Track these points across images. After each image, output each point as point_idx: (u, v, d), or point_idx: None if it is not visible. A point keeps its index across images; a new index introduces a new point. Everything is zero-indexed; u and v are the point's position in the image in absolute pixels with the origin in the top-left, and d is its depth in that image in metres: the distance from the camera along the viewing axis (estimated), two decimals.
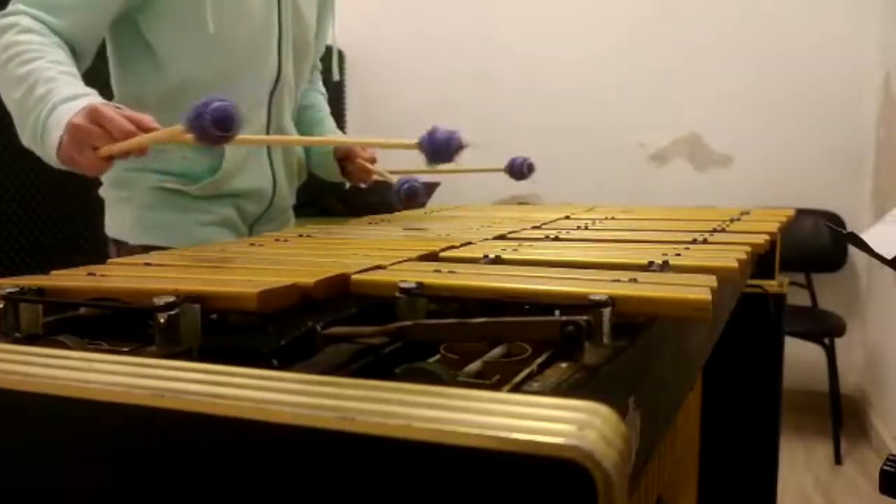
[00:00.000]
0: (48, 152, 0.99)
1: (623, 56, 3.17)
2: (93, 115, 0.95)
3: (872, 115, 2.92)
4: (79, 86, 1.02)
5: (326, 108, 1.54)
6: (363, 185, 1.46)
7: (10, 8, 1.10)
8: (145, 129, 0.94)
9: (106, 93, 1.11)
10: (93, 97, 1.00)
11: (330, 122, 1.51)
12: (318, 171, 1.48)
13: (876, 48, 2.89)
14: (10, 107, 1.05)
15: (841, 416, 2.70)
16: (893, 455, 0.93)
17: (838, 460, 2.60)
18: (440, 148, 0.92)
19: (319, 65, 1.54)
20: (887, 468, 0.91)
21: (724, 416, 1.50)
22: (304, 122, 1.47)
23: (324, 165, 1.44)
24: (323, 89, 1.57)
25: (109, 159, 0.96)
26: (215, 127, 0.75)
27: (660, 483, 1.14)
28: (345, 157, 1.41)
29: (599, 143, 3.18)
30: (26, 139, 1.03)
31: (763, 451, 1.54)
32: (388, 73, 3.43)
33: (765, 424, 1.53)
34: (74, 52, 1.12)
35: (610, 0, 3.19)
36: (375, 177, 1.41)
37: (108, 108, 0.95)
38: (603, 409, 0.33)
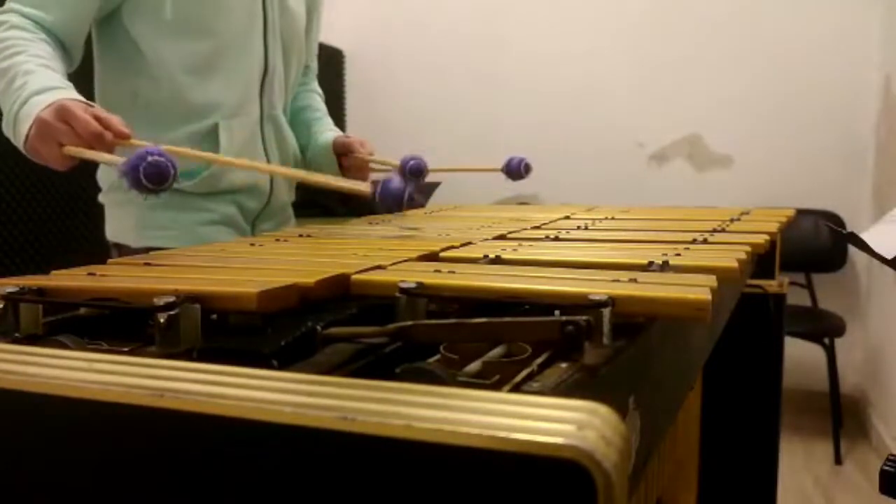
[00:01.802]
0: (18, 142, 1.01)
1: (623, 56, 3.17)
2: (61, 112, 0.95)
3: (873, 115, 2.92)
4: (54, 78, 1.03)
5: (323, 108, 1.53)
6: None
7: (4, 7, 1.12)
8: (114, 132, 0.95)
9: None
10: (67, 90, 1.01)
11: (327, 122, 1.50)
12: (317, 170, 1.45)
13: (876, 49, 2.89)
14: None
15: (841, 416, 2.70)
16: (893, 455, 0.93)
17: (838, 460, 2.59)
18: (391, 197, 0.99)
19: (314, 66, 1.53)
20: (887, 468, 0.91)
21: (724, 416, 1.50)
22: (299, 123, 1.46)
23: (322, 162, 1.43)
24: (319, 89, 1.56)
25: (72, 158, 0.97)
26: (148, 181, 0.80)
27: (660, 483, 1.14)
28: (342, 153, 1.40)
29: (599, 143, 3.18)
30: (3, 127, 1.06)
31: (763, 451, 1.54)
32: (388, 72, 3.43)
33: (765, 424, 1.53)
34: (63, 47, 1.13)
35: (611, 1, 3.19)
36: (373, 167, 1.39)
37: (76, 106, 0.96)
38: (603, 409, 0.33)
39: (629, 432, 0.33)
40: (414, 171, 1.17)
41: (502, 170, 1.47)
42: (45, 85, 1.01)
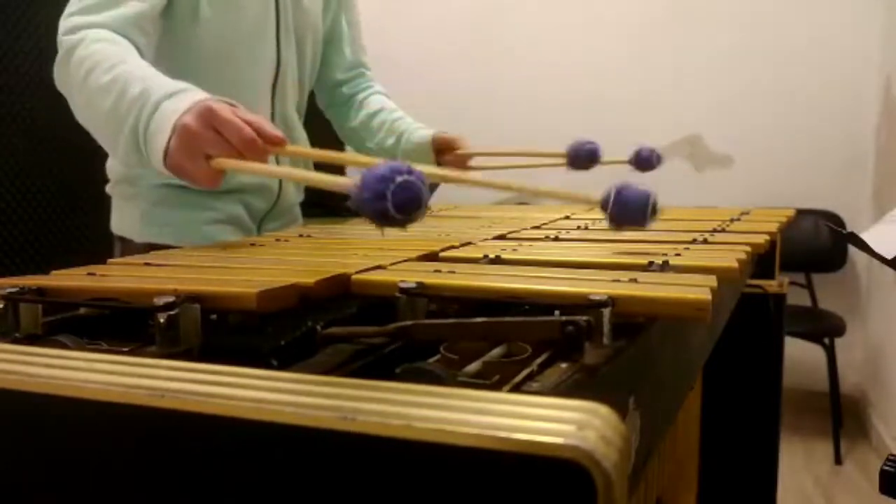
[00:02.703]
0: (154, 158, 0.87)
1: (623, 57, 3.17)
2: (207, 115, 0.83)
3: (873, 115, 2.92)
4: (177, 81, 0.90)
5: (397, 107, 1.49)
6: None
7: (68, 24, 1.02)
8: (267, 138, 0.84)
9: None
10: (198, 91, 0.88)
11: (409, 119, 1.45)
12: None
13: (877, 49, 2.89)
14: (99, 121, 0.96)
15: (841, 416, 2.70)
16: (893, 455, 0.93)
17: (838, 460, 2.59)
18: (629, 211, 0.74)
19: (368, 66, 1.51)
20: (887, 468, 0.91)
21: (724, 416, 1.50)
22: (379, 126, 1.42)
23: (419, 162, 1.39)
24: (383, 89, 1.53)
25: (222, 175, 0.86)
26: (398, 211, 0.56)
27: (660, 483, 1.15)
28: (441, 150, 1.35)
29: (599, 143, 3.17)
30: (121, 151, 0.92)
31: (763, 451, 1.54)
32: (388, 76, 3.42)
33: (765, 424, 1.53)
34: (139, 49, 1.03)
35: (610, 1, 3.19)
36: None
37: (223, 108, 0.84)
38: (603, 409, 0.33)
39: (629, 432, 0.33)
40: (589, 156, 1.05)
41: (630, 161, 1.37)
42: (174, 87, 0.87)
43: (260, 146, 0.83)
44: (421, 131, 1.41)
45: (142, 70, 0.93)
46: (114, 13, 1.02)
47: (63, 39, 1.02)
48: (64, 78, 1.02)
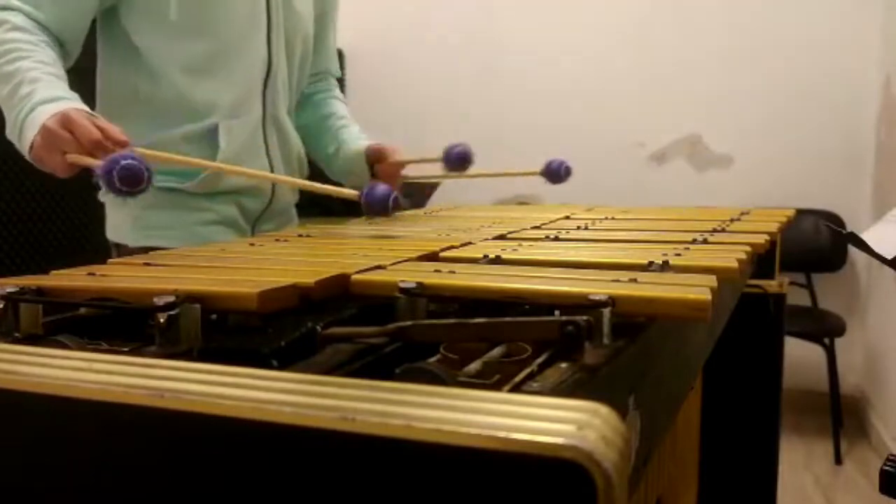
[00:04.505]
0: (24, 148, 1.04)
1: (623, 56, 3.17)
2: (65, 120, 0.99)
3: (873, 115, 2.92)
4: (60, 88, 1.05)
5: (347, 114, 1.52)
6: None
7: (1, 2, 1.12)
8: (112, 140, 0.98)
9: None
10: (72, 101, 1.03)
11: (355, 129, 1.48)
12: (346, 177, 1.44)
13: (877, 48, 2.89)
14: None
15: (841, 416, 2.70)
16: (893, 455, 0.93)
17: (838, 460, 2.60)
18: (376, 202, 1.03)
19: (337, 71, 1.53)
20: (887, 468, 0.91)
21: (724, 416, 1.50)
22: (325, 131, 1.46)
23: (354, 169, 1.42)
24: (341, 95, 1.55)
25: (75, 166, 1.00)
26: (122, 183, 0.86)
27: (660, 483, 1.15)
28: (375, 161, 1.39)
29: (600, 143, 3.18)
30: (7, 133, 1.08)
31: (763, 451, 1.54)
32: (388, 72, 3.43)
33: (765, 424, 1.53)
34: (60, 43, 1.14)
35: (611, 1, 3.19)
36: (411, 162, 1.40)
37: (80, 115, 1.00)
38: (603, 409, 0.33)
39: (629, 432, 0.33)
40: (459, 159, 1.19)
41: (541, 172, 1.43)
42: (52, 94, 1.03)
43: (106, 146, 0.98)
44: (358, 142, 1.43)
45: (37, 71, 1.06)
46: (36, 12, 1.11)
47: None
48: None
